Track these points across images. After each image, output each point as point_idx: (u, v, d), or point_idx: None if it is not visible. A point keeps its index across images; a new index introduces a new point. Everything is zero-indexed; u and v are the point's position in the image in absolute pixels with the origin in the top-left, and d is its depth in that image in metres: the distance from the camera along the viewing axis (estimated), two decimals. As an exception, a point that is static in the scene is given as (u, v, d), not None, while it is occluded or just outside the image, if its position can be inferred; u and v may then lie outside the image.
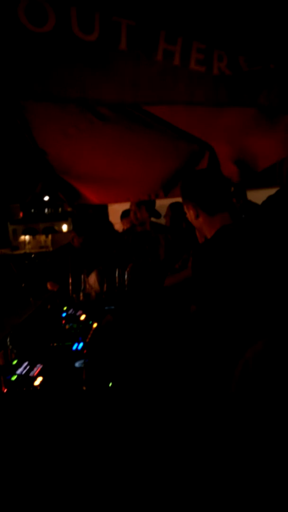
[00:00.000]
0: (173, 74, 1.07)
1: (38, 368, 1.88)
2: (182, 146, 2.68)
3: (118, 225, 4.78)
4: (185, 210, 1.75)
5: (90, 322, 2.48)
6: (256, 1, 1.11)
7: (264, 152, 1.71)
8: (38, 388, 1.71)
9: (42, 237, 14.21)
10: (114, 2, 0.99)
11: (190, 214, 1.72)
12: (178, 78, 1.08)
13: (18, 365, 1.90)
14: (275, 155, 1.53)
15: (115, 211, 4.89)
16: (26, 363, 1.92)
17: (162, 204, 4.15)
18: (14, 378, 1.77)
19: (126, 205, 4.28)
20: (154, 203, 3.84)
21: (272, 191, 1.88)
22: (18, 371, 1.83)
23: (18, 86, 0.95)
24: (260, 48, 1.14)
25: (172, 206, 4.16)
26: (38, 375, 1.81)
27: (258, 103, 1.15)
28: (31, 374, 1.82)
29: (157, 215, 4.10)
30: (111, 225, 4.75)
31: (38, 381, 1.75)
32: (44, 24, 0.94)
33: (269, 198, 3.00)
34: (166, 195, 3.28)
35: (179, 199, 4.06)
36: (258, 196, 3.33)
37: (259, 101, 1.14)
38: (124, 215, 4.49)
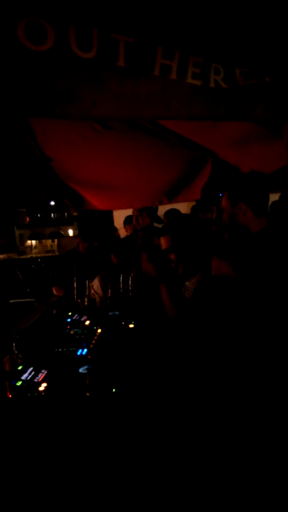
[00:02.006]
0: (170, 89, 1.10)
1: (43, 373, 1.90)
2: (185, 153, 2.70)
3: (122, 231, 4.81)
4: (233, 208, 1.82)
5: (95, 328, 2.50)
6: (252, 15, 1.13)
7: (265, 159, 1.72)
8: (43, 393, 1.73)
9: (49, 242, 14.30)
10: (112, 19, 1.01)
11: (238, 212, 1.80)
12: (175, 92, 1.11)
13: (24, 371, 1.92)
14: (276, 162, 1.54)
15: (121, 216, 4.92)
16: (31, 369, 1.94)
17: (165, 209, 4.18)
18: (19, 383, 1.79)
19: (130, 211, 4.31)
20: (156, 209, 3.86)
21: (274, 196, 1.89)
22: (23, 377, 1.85)
23: (19, 104, 0.98)
24: (256, 62, 1.16)
25: (167, 213, 4.18)
26: (43, 380, 1.83)
27: (253, 117, 1.17)
28: (36, 379, 1.84)
29: (159, 220, 4.12)
30: (115, 230, 4.78)
31: (42, 386, 1.77)
32: (43, 42, 0.96)
33: (274, 203, 3.01)
34: (169, 201, 3.31)
35: (177, 206, 4.09)
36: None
37: (254, 114, 1.16)
38: (127, 221, 4.52)
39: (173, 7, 1.06)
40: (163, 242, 2.27)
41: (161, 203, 3.36)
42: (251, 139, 1.69)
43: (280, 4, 1.13)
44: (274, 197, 1.92)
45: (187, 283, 2.02)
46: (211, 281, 1.89)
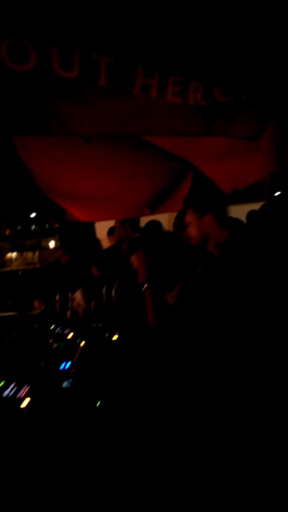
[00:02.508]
0: (151, 107, 1.12)
1: (25, 389, 1.88)
2: (166, 166, 2.74)
3: (105, 241, 4.81)
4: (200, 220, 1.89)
5: (78, 341, 2.49)
6: (229, 36, 1.17)
7: (244, 172, 1.77)
8: (25, 410, 1.70)
9: (29, 254, 14.10)
10: (93, 39, 1.04)
11: (203, 223, 1.86)
12: (156, 110, 1.13)
13: (5, 386, 1.89)
14: (254, 175, 1.59)
15: (103, 228, 4.93)
16: (12, 384, 1.91)
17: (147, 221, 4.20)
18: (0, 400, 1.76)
19: (113, 222, 4.32)
20: (138, 220, 3.89)
21: (253, 206, 1.94)
22: (5, 393, 1.82)
23: (1, 122, 0.98)
24: (233, 80, 1.20)
25: (147, 225, 4.20)
26: (25, 396, 1.80)
27: (231, 133, 1.21)
28: (18, 395, 1.81)
29: (142, 231, 4.14)
30: (97, 241, 4.78)
31: (25, 402, 1.74)
32: (25, 62, 0.97)
33: (251, 212, 3.07)
34: (152, 212, 3.33)
35: (158, 217, 4.12)
36: (240, 210, 3.41)
37: (232, 130, 1.20)
38: (111, 232, 4.53)
39: (152, 28, 1.10)
40: (133, 261, 2.28)
41: (143, 214, 3.38)
42: (229, 154, 1.73)
43: (254, 26, 1.18)
44: (252, 206, 1.97)
45: (166, 296, 2.04)
46: (189, 293, 1.91)
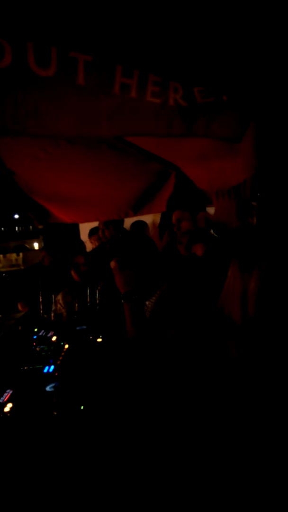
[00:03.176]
0: (130, 107, 1.11)
1: (8, 393, 1.85)
2: (149, 167, 2.74)
3: (88, 243, 4.78)
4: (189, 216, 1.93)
5: (62, 343, 2.47)
6: (208, 36, 1.17)
7: (225, 174, 1.77)
8: (8, 414, 1.68)
9: (13, 256, 13.95)
10: (70, 37, 1.02)
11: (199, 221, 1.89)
12: (135, 110, 1.13)
13: (-13, 391, 1.86)
14: (236, 177, 1.59)
15: (87, 229, 4.89)
16: (-5, 389, 1.88)
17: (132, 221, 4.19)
18: (-18, 405, 1.73)
19: (96, 223, 4.30)
20: (122, 221, 3.88)
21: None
22: (-13, 398, 1.80)
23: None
24: (213, 80, 1.20)
25: (133, 225, 4.20)
26: (8, 401, 1.78)
27: (212, 134, 1.21)
28: (0, 400, 1.79)
29: (126, 233, 4.14)
30: (82, 243, 4.75)
31: (8, 407, 1.72)
32: (0, 59, 0.95)
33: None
34: (135, 214, 3.33)
35: (144, 218, 4.11)
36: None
37: (213, 131, 1.20)
38: (92, 233, 4.50)
39: (131, 27, 1.09)
40: (113, 266, 2.25)
41: (127, 215, 3.37)
42: (211, 156, 1.73)
43: (234, 26, 1.18)
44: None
45: (147, 302, 2.03)
46: (167, 299, 1.91)
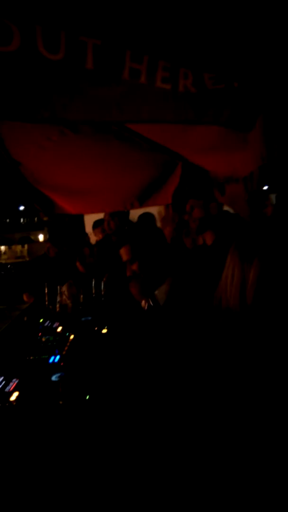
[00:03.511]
0: (140, 93, 1.10)
1: (14, 383, 1.86)
2: (155, 158, 2.72)
3: (93, 235, 4.76)
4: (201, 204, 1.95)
5: (67, 334, 2.47)
6: (219, 22, 1.15)
7: (233, 165, 1.75)
8: (14, 403, 1.68)
9: (18, 247, 13.97)
10: (79, 21, 1.00)
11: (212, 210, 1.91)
12: (145, 96, 1.11)
13: (-6, 380, 1.87)
14: (243, 168, 1.57)
15: (92, 221, 4.88)
16: (1, 378, 1.89)
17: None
18: (-11, 394, 1.74)
19: (100, 215, 4.28)
20: (128, 213, 3.86)
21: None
22: (-6, 387, 1.80)
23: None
24: (224, 66, 1.18)
25: (141, 217, 4.18)
26: (14, 390, 1.79)
27: (222, 121, 1.19)
28: (7, 389, 1.80)
29: (131, 224, 4.12)
30: (86, 235, 4.74)
31: (14, 396, 1.73)
32: (9, 42, 0.94)
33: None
34: (141, 205, 3.31)
35: (151, 210, 4.10)
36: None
37: (223, 119, 1.18)
38: (96, 225, 4.48)
39: (141, 11, 1.07)
40: (123, 254, 2.24)
41: (132, 207, 3.35)
42: (218, 146, 1.71)
43: (246, 12, 1.15)
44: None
45: (156, 292, 2.02)
46: (182, 287, 1.90)
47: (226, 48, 1.17)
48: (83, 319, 2.77)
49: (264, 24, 1.18)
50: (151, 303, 2.01)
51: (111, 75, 1.05)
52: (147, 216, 4.03)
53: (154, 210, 4.27)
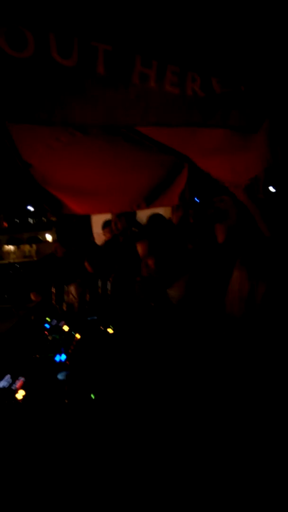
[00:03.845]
0: (149, 96, 1.11)
1: (20, 381, 1.88)
2: (162, 159, 2.73)
3: (101, 236, 4.79)
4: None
5: (73, 333, 2.49)
6: (227, 27, 1.16)
7: (239, 167, 1.76)
8: (20, 401, 1.70)
9: (27, 247, 14.08)
10: (91, 27, 1.02)
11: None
12: (154, 100, 1.13)
13: (0, 378, 1.89)
14: (249, 171, 1.57)
15: (100, 221, 4.90)
16: (8, 376, 1.91)
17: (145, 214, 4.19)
18: (-5, 391, 1.76)
19: (109, 215, 4.30)
20: (134, 213, 3.88)
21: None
22: (0, 385, 1.82)
23: (1, 110, 0.97)
24: (231, 71, 1.19)
25: (151, 218, 4.19)
26: (20, 388, 1.80)
27: (229, 124, 1.20)
28: (13, 387, 1.82)
29: (138, 225, 4.13)
30: (90, 235, 4.77)
31: (20, 394, 1.74)
32: (24, 49, 0.96)
33: None
34: (147, 206, 3.32)
35: (159, 210, 4.11)
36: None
37: (230, 122, 1.19)
38: (106, 225, 4.51)
39: (150, 17, 1.08)
40: (140, 249, 2.25)
41: (139, 207, 3.37)
42: (225, 148, 1.72)
43: (253, 17, 1.17)
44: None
45: (169, 291, 2.03)
46: (199, 286, 1.90)
47: (233, 53, 1.19)
48: (89, 318, 2.79)
49: (270, 30, 1.19)
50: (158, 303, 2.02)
51: (121, 79, 1.07)
52: (157, 217, 4.04)
53: (160, 210, 4.29)
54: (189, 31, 1.14)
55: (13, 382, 1.86)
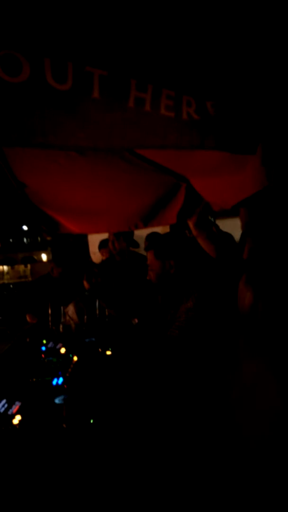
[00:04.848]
0: (145, 120, 1.13)
1: (17, 405, 1.84)
2: (159, 179, 2.75)
3: (98, 255, 4.79)
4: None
5: (71, 356, 2.46)
6: (219, 51, 1.19)
7: (234, 188, 1.77)
8: (17, 427, 1.67)
9: (21, 267, 14.00)
10: (86, 52, 1.04)
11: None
12: (150, 123, 1.14)
13: (-4, 403, 1.85)
14: (244, 191, 1.59)
15: (96, 241, 4.91)
16: (4, 401, 1.88)
17: (141, 234, 4.21)
18: (-9, 417, 1.73)
19: (105, 235, 4.31)
20: (132, 233, 3.89)
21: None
22: (-4, 410, 1.79)
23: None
24: (226, 94, 1.21)
25: (148, 236, 4.21)
26: (17, 413, 1.77)
27: (225, 147, 1.21)
28: (9, 412, 1.78)
29: (135, 244, 4.14)
30: (87, 255, 4.77)
31: (17, 419, 1.71)
32: (18, 74, 0.98)
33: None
34: (145, 226, 3.33)
35: (157, 229, 4.13)
36: (225, 224, 3.41)
37: (226, 144, 1.21)
38: (103, 245, 4.52)
39: (144, 43, 1.11)
40: (148, 257, 2.29)
41: (137, 227, 3.37)
42: (220, 169, 1.74)
43: (243, 42, 1.20)
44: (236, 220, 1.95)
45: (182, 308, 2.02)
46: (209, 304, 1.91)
47: (227, 78, 1.21)
48: (87, 340, 2.76)
49: (265, 57, 1.22)
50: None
51: (117, 104, 1.08)
52: (155, 236, 4.06)
53: (158, 229, 4.31)
54: (183, 56, 1.16)
55: (10, 407, 1.82)
